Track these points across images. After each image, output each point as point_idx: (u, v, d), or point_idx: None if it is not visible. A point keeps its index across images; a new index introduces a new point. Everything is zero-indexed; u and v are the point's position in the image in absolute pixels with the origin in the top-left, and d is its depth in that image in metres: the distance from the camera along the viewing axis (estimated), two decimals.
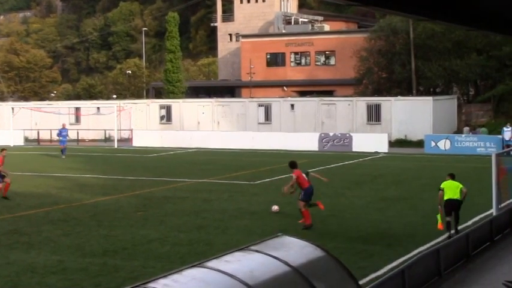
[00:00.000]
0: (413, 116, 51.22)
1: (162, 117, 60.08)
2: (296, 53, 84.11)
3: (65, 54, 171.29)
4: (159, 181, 30.90)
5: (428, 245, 17.40)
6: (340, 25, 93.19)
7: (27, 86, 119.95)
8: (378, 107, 52.67)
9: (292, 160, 21.62)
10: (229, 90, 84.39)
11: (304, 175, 20.66)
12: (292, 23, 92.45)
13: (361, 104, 53.66)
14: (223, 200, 25.27)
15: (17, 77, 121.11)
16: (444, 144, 45.62)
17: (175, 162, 41.72)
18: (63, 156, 44.07)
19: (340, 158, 41.14)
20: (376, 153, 44.77)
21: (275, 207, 22.66)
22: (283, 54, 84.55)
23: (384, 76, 64.31)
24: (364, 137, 48.38)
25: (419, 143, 47.71)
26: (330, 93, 72.35)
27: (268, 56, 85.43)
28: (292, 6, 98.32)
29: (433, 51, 59.90)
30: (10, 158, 44.95)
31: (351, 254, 16.39)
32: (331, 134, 49.41)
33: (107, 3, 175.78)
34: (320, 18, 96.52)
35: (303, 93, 75.09)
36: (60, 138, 45.48)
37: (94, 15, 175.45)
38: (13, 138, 56.61)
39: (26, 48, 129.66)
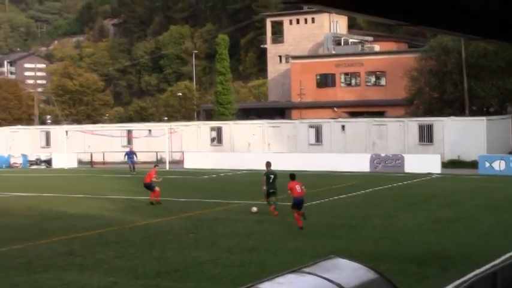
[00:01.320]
0: (467, 136, 50.48)
1: (212, 139, 60.34)
2: (346, 74, 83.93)
3: (117, 77, 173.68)
4: (211, 203, 30.98)
5: (484, 267, 17.06)
6: (390, 45, 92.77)
7: (81, 109, 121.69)
8: (430, 128, 52.11)
9: (291, 173, 25.20)
10: (279, 112, 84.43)
11: (297, 186, 23.85)
12: (342, 44, 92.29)
13: (412, 124, 53.15)
14: (274, 222, 25.19)
15: (71, 100, 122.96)
16: (499, 165, 44.85)
17: (227, 183, 41.82)
18: (133, 172, 49.78)
19: (392, 179, 40.76)
20: (429, 174, 44.23)
21: (254, 209, 27.29)
22: (333, 75, 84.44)
23: (436, 96, 63.62)
24: (417, 157, 47.84)
25: (473, 164, 46.92)
26: (380, 114, 71.91)
27: (318, 77, 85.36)
28: (341, 27, 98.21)
29: (485, 70, 59.10)
30: (65, 180, 45.70)
31: (405, 277, 16.16)
32: (382, 154, 49.01)
33: (157, 27, 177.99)
34: (370, 38, 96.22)
35: (353, 114, 74.77)
36: (126, 159, 52.21)
37: (145, 39, 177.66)
38: (67, 161, 57.49)
39: (79, 72, 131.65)
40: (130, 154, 52.32)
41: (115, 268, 17.89)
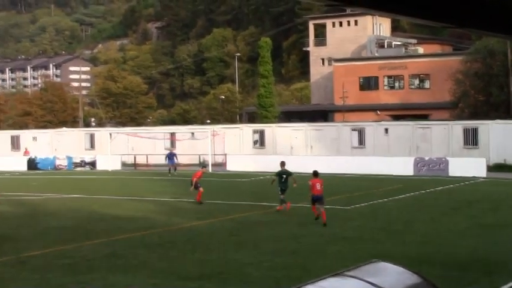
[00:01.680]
0: None
1: (255, 142, 60.41)
2: (389, 77, 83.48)
3: (160, 80, 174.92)
4: (254, 205, 31.02)
5: None
6: (434, 48, 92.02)
7: (124, 111, 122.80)
8: (475, 131, 51.48)
9: (314, 170, 26.97)
10: (322, 115, 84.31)
11: (317, 184, 25.52)
12: (385, 47, 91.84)
13: (457, 127, 52.58)
14: (318, 225, 25.13)
15: (115, 103, 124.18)
16: None
17: (269, 186, 41.80)
18: (174, 172, 51.30)
19: (436, 183, 40.38)
20: (474, 178, 43.73)
21: None
22: (376, 77, 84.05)
23: (481, 99, 62.93)
24: (461, 161, 47.34)
25: None
26: (424, 117, 71.37)
27: (361, 80, 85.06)
28: (385, 30, 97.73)
29: None
30: (109, 182, 46.15)
31: (448, 282, 15.99)
32: (426, 158, 48.58)
33: (200, 30, 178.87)
34: (414, 41, 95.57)
35: (396, 117, 74.32)
36: (167, 161, 53.12)
37: (188, 42, 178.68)
38: (111, 163, 58.07)
39: (123, 75, 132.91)
40: (171, 156, 53.25)
41: (157, 270, 18.01)
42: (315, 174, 26.41)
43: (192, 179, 32.59)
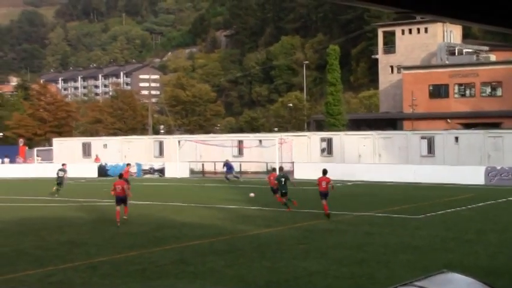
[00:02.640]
0: None
1: (323, 150, 60.19)
2: (460, 85, 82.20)
3: (228, 88, 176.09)
4: (321, 214, 30.88)
5: None
6: (507, 55, 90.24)
7: (193, 119, 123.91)
8: None
9: (324, 168, 30.69)
10: (390, 123, 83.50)
11: (323, 182, 29.47)
12: (456, 54, 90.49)
13: None
14: (385, 234, 24.87)
15: (183, 110, 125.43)
16: None
17: (336, 194, 41.56)
18: (232, 177, 51.67)
19: (508, 193, 39.50)
20: None
21: (251, 194, 36.04)
22: (446, 85, 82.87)
23: None
24: None
25: None
26: (496, 125, 69.99)
27: (431, 88, 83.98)
28: (455, 37, 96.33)
29: None
30: (177, 189, 46.57)
31: None
32: (498, 167, 47.60)
33: (269, 38, 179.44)
34: (485, 48, 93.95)
35: (467, 126, 73.08)
36: (224, 170, 52.74)
37: (256, 50, 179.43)
38: (179, 170, 58.63)
39: (191, 83, 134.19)
40: (228, 165, 53.01)
41: (225, 277, 18.07)
42: (324, 172, 29.90)
43: (271, 185, 34.25)
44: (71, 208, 35.70)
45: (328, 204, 29.05)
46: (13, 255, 21.78)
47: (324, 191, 29.35)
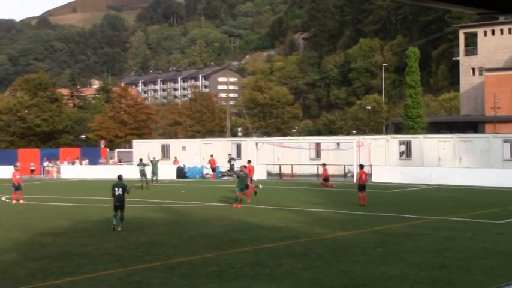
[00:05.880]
0: None
1: (401, 153, 59.45)
2: None
3: (306, 90, 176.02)
4: (399, 217, 30.49)
5: None
6: None
7: (270, 122, 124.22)
8: None
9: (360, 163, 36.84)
10: (471, 126, 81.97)
11: (363, 176, 35.00)
12: None
13: None
14: (466, 239, 24.34)
15: (261, 113, 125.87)
16: None
17: (415, 198, 41.02)
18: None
19: None
20: None
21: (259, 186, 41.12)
22: None
23: None
24: None
25: None
26: None
27: None
28: None
29: None
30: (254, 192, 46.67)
31: None
32: None
33: (347, 40, 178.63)
34: None
35: None
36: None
37: (334, 52, 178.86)
38: (257, 173, 58.72)
39: (269, 85, 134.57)
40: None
41: (302, 280, 17.98)
42: (361, 167, 36.28)
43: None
44: (150, 209, 36.18)
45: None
46: (95, 254, 22.18)
47: (363, 183, 34.54)
